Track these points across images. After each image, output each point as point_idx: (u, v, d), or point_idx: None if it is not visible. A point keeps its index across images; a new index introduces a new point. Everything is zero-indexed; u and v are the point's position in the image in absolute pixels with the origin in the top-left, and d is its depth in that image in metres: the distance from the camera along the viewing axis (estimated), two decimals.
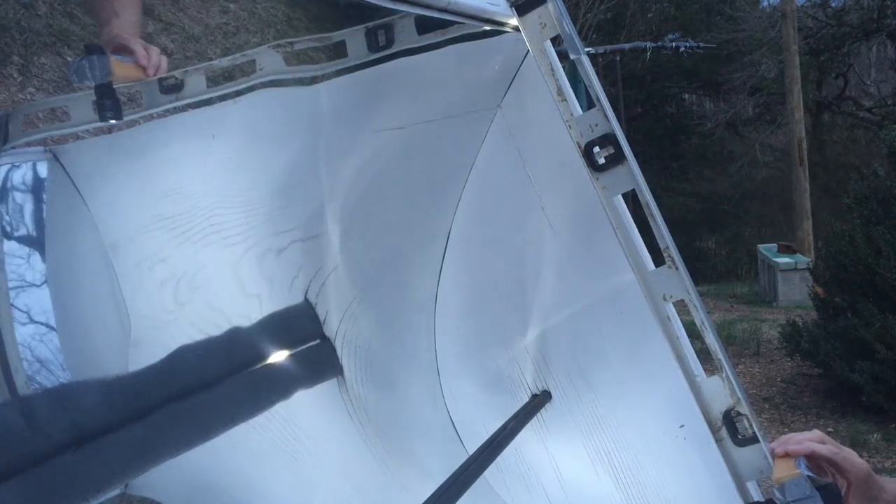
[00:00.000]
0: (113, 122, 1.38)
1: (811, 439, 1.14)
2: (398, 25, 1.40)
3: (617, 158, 1.13)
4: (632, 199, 1.18)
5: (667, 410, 1.57)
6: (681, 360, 1.16)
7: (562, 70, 1.17)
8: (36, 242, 1.45)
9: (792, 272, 11.25)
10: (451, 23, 1.31)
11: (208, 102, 1.51)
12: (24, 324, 1.39)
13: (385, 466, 1.90)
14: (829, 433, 6.30)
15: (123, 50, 1.42)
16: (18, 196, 1.44)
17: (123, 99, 1.54)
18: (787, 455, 1.12)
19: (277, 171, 1.67)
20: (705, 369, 1.19)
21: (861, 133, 21.07)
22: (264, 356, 1.76)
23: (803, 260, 11.34)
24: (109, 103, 1.35)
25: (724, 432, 1.13)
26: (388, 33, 1.41)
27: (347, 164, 1.73)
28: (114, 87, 1.35)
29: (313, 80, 1.56)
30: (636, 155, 1.16)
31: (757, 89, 19.84)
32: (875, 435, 6.07)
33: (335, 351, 1.89)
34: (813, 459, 1.13)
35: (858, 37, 19.18)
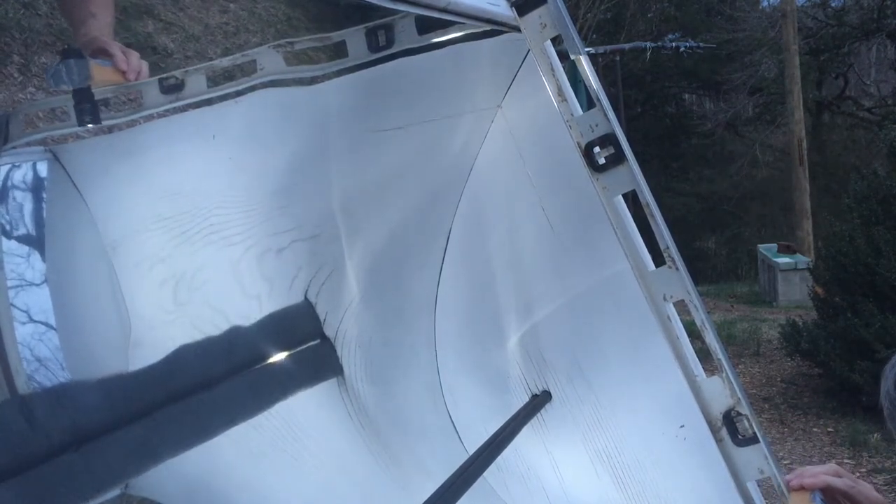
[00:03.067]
0: (90, 125, 1.37)
1: (827, 472, 1.14)
2: (398, 25, 1.40)
3: (617, 159, 1.13)
4: (632, 199, 1.18)
5: (667, 410, 1.57)
6: (681, 360, 1.16)
7: (562, 70, 1.17)
8: (36, 242, 1.45)
9: (792, 272, 11.25)
10: (452, 23, 1.31)
11: (209, 102, 1.51)
12: (24, 323, 1.39)
13: (385, 466, 1.90)
14: (829, 433, 6.31)
15: (102, 53, 1.41)
16: (19, 196, 1.44)
17: (123, 99, 1.54)
18: (802, 488, 1.12)
19: (278, 170, 1.67)
20: (705, 369, 1.19)
21: (861, 133, 21.05)
22: (264, 356, 1.76)
23: (803, 260, 11.33)
24: (88, 107, 1.35)
25: (724, 432, 1.13)
26: (389, 33, 1.41)
27: (348, 164, 1.73)
28: (92, 91, 1.35)
29: (313, 81, 1.56)
30: (636, 155, 1.15)
31: (757, 89, 19.83)
32: (875, 435, 6.06)
33: (335, 351, 1.89)
34: (829, 493, 1.13)
35: (858, 37, 19.17)
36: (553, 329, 1.82)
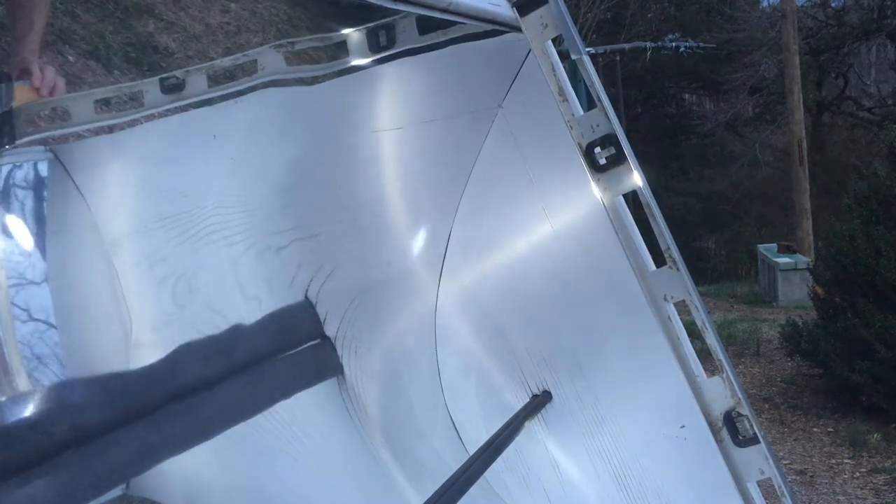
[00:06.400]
0: (7, 147, 1.39)
1: None
2: (399, 25, 1.40)
3: (618, 159, 1.13)
4: (633, 199, 1.18)
5: (667, 411, 1.57)
6: (681, 360, 1.16)
7: (563, 70, 1.17)
8: (37, 242, 1.45)
9: (792, 272, 11.25)
10: (453, 23, 1.31)
11: (209, 102, 1.51)
12: (24, 323, 1.39)
13: (385, 466, 1.90)
14: (829, 433, 6.30)
15: (24, 73, 1.42)
16: (19, 195, 1.44)
17: (125, 98, 1.54)
18: None
19: (278, 170, 1.67)
20: (706, 370, 1.19)
21: (861, 133, 21.06)
22: (264, 356, 1.76)
23: (803, 260, 11.34)
24: (7, 129, 1.37)
25: (724, 433, 1.13)
26: (390, 33, 1.41)
27: (348, 163, 1.73)
28: (11, 111, 1.36)
29: (314, 80, 1.56)
30: (636, 155, 1.16)
31: (757, 89, 19.83)
32: (875, 435, 6.07)
33: (335, 351, 1.89)
34: None
35: (858, 37, 19.19)
36: (553, 329, 1.82)
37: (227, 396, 1.66)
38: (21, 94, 1.39)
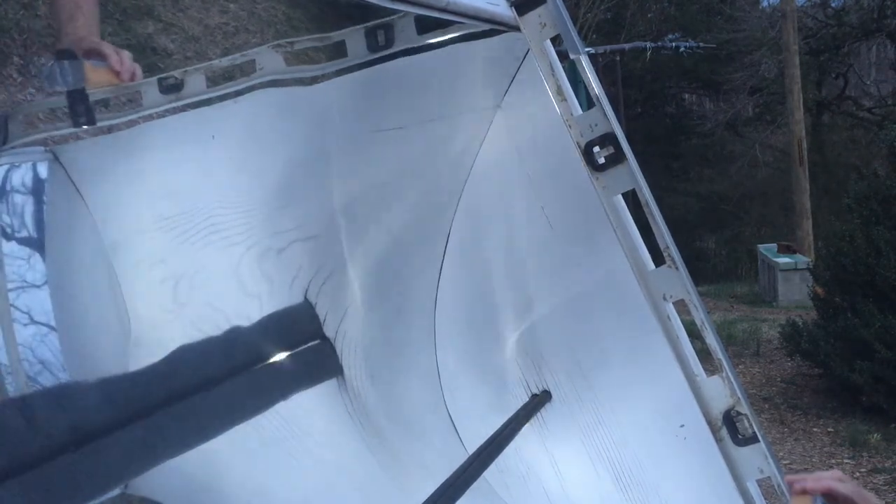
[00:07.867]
0: (86, 127, 1.37)
1: (831, 477, 1.15)
2: (398, 25, 1.40)
3: (617, 158, 1.13)
4: (632, 199, 1.18)
5: (667, 410, 1.57)
6: (681, 359, 1.16)
7: (561, 69, 1.17)
8: (36, 242, 1.45)
9: (792, 272, 11.25)
10: (451, 22, 1.31)
11: (208, 102, 1.51)
12: (24, 323, 1.39)
13: (385, 466, 1.90)
14: (829, 433, 6.30)
15: (94, 54, 1.41)
16: (19, 196, 1.44)
17: (123, 100, 1.54)
18: (804, 492, 1.13)
19: (277, 170, 1.67)
20: (705, 369, 1.18)
21: (861, 133, 21.05)
22: (264, 356, 1.76)
23: (803, 260, 11.34)
24: (83, 108, 1.35)
25: (724, 432, 1.13)
26: (388, 33, 1.41)
27: (347, 163, 1.73)
28: (87, 92, 1.35)
29: (313, 80, 1.56)
30: (636, 155, 1.16)
31: (757, 89, 19.83)
32: (875, 435, 6.07)
33: (335, 351, 1.89)
34: (832, 497, 1.14)
35: (858, 37, 19.19)
36: (553, 328, 1.82)
37: (226, 396, 1.66)
38: (98, 76, 1.37)
